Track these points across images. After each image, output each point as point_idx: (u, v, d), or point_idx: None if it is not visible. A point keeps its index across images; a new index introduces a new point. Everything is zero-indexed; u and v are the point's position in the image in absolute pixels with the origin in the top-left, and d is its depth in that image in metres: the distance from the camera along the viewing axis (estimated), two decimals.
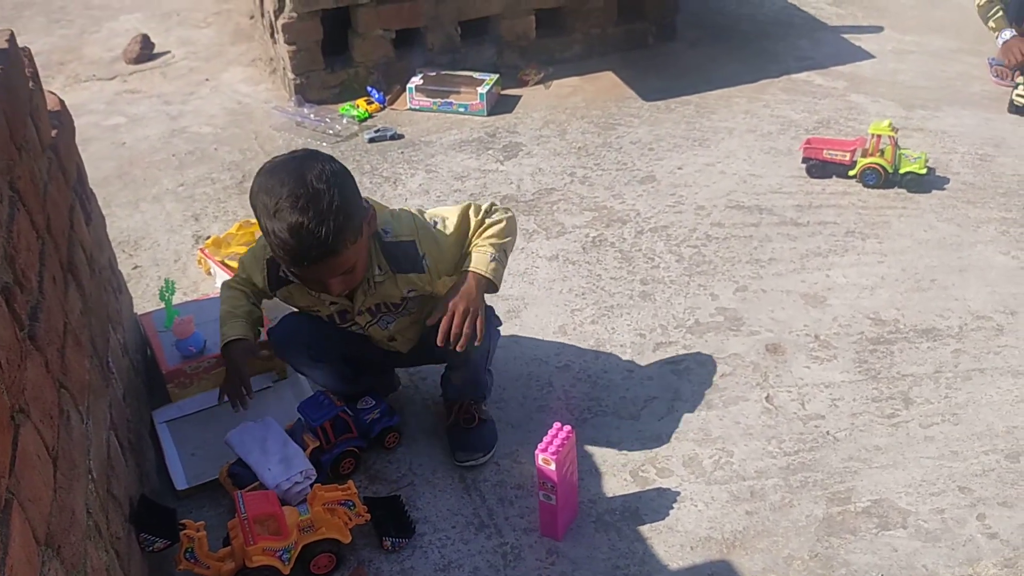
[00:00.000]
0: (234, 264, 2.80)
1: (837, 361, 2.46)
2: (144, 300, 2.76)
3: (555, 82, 4.04)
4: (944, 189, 3.15)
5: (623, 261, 2.90)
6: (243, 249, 2.89)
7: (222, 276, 2.73)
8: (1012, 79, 3.69)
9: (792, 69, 4.06)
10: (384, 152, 3.55)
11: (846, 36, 4.34)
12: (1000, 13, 3.72)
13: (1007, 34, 3.67)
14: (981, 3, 3.79)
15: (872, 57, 4.14)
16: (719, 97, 3.87)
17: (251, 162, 3.48)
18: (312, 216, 1.75)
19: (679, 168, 3.38)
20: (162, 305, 2.44)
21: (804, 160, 3.27)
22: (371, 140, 3.61)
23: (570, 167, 3.42)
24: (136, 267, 2.95)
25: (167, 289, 2.40)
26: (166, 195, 3.32)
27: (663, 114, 3.76)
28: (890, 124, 3.13)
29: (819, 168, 3.25)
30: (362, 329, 2.12)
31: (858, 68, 4.05)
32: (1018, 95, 3.53)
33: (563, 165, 3.43)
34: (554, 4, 4.09)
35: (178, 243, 3.05)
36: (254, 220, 2.98)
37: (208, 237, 2.97)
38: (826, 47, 4.24)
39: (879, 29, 4.40)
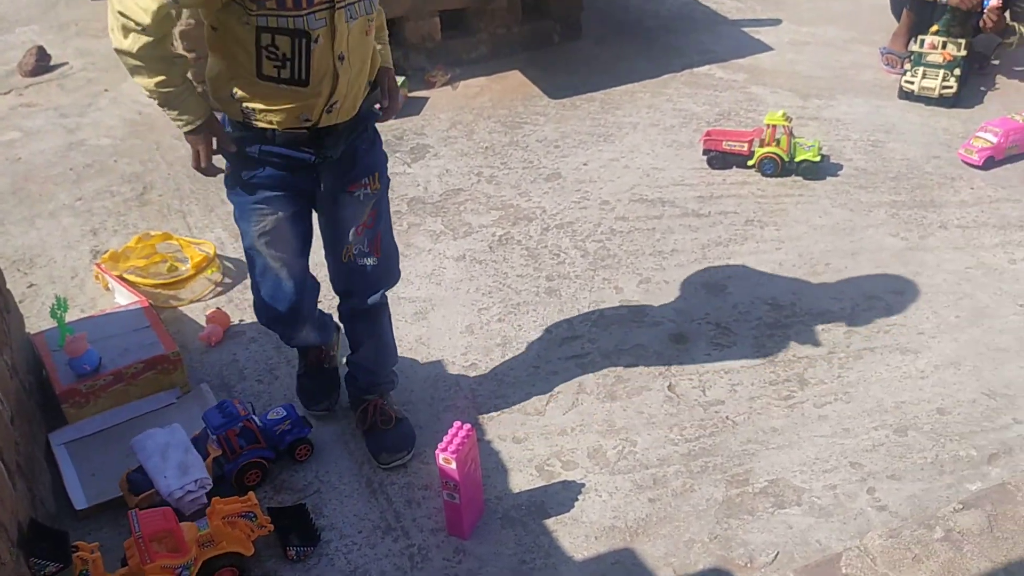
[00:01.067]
0: (133, 278, 2.76)
1: (737, 347, 2.53)
2: (40, 319, 2.68)
3: (462, 83, 4.05)
4: (838, 175, 3.25)
5: (529, 258, 2.93)
6: (142, 262, 2.85)
7: (121, 291, 2.68)
8: (901, 66, 3.83)
9: (694, 63, 4.14)
10: None
11: (746, 29, 4.45)
12: None
13: None
14: None
15: (771, 49, 4.24)
16: (624, 92, 3.93)
17: (152, 173, 3.41)
18: None
19: (584, 164, 3.42)
20: (55, 324, 2.38)
21: (705, 152, 3.35)
22: None
23: (477, 167, 3.44)
24: (31, 285, 2.87)
25: (59, 307, 2.34)
26: (63, 210, 3.23)
27: (569, 111, 3.80)
28: (784, 114, 3.22)
29: (719, 159, 3.32)
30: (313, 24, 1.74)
31: (757, 60, 4.15)
32: (907, 80, 3.66)
33: (470, 165, 3.45)
34: (459, 5, 4.10)
35: (75, 259, 2.97)
36: (153, 233, 2.96)
37: (106, 251, 2.90)
38: (727, 40, 4.34)
39: (777, 22, 4.51)
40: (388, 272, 2.16)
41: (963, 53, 3.60)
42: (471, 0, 4.09)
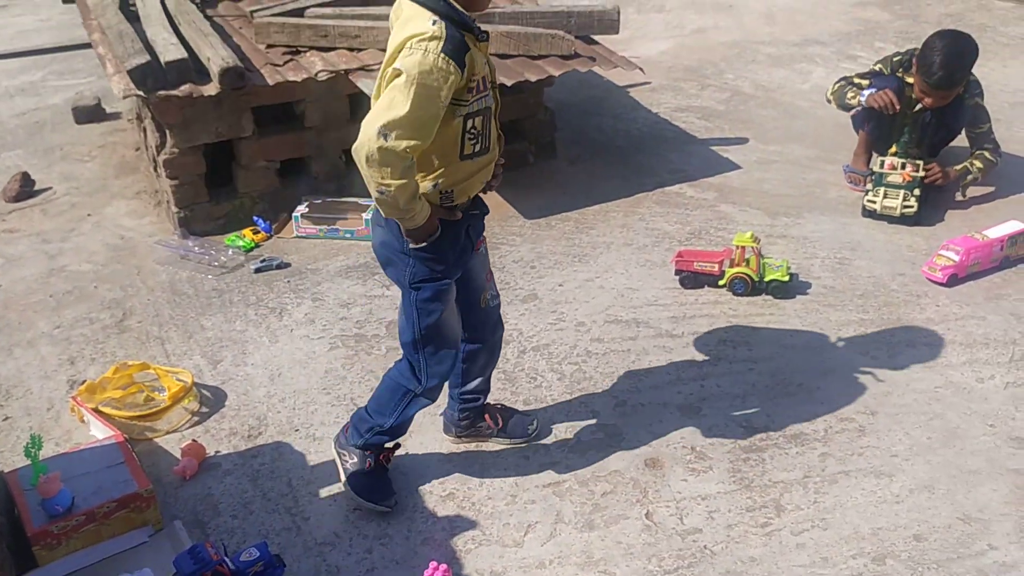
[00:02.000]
0: (109, 411, 2.75)
1: (713, 472, 2.54)
2: (14, 454, 2.66)
3: None
4: (807, 294, 3.33)
5: (506, 382, 2.95)
6: (119, 394, 2.85)
7: (96, 425, 2.67)
8: (864, 184, 3.97)
9: (665, 182, 4.27)
10: (270, 282, 3.57)
11: (715, 148, 4.61)
12: (854, 89, 3.96)
13: (870, 89, 3.83)
14: (834, 91, 4.06)
15: (739, 168, 4.39)
16: (598, 212, 4.04)
17: (132, 299, 3.44)
18: None
19: (560, 285, 3.49)
20: (28, 461, 2.36)
21: (677, 272, 3.42)
22: (257, 270, 3.62)
23: None
24: (6, 418, 2.85)
25: (33, 444, 2.33)
26: (41, 338, 3.24)
27: (544, 231, 3.90)
28: (752, 235, 3.32)
29: (691, 279, 3.40)
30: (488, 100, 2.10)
31: (726, 179, 4.29)
32: (869, 200, 3.79)
33: None
34: None
35: (52, 390, 2.97)
36: (131, 362, 2.97)
37: (83, 382, 2.90)
38: (696, 159, 4.49)
39: (745, 140, 4.68)
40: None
41: (921, 174, 3.74)
42: None
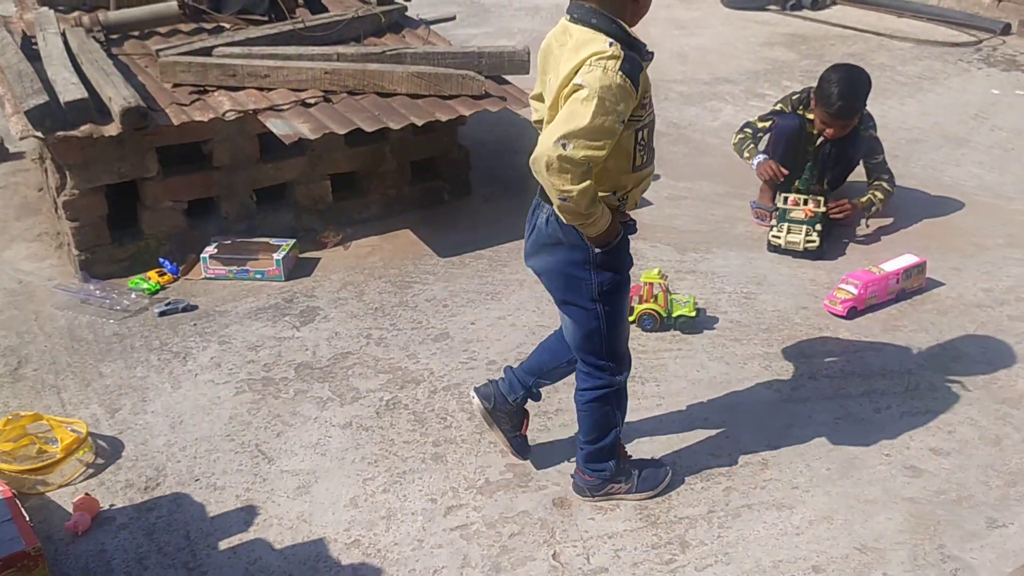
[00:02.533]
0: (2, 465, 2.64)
1: (620, 509, 2.55)
2: None
3: (354, 243, 4.12)
4: (714, 328, 3.39)
5: (416, 423, 2.93)
6: (10, 446, 2.74)
7: None
8: (769, 219, 4.08)
9: None
10: (175, 326, 3.48)
11: None
12: (752, 146, 4.16)
13: (760, 157, 4.06)
14: (736, 141, 4.23)
15: (650, 204, 4.46)
16: (511, 249, 4.05)
17: (28, 346, 3.32)
18: None
19: (472, 323, 3.49)
20: None
21: None
22: (161, 314, 3.54)
23: (366, 329, 3.46)
24: None
25: None
26: None
27: (458, 269, 3.90)
28: (659, 272, 3.37)
29: None
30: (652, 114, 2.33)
31: (637, 215, 4.33)
32: (773, 236, 3.90)
33: (359, 327, 3.47)
34: (348, 168, 4.21)
35: None
36: (23, 413, 2.86)
37: None
38: None
39: (656, 177, 4.73)
40: None
41: (822, 209, 3.88)
42: (361, 163, 4.21)
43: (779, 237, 3.89)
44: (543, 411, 2.96)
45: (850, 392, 3.01)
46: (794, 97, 4.13)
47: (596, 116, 2.04)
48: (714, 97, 5.90)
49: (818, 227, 3.85)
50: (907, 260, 3.57)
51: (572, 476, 2.61)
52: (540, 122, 2.36)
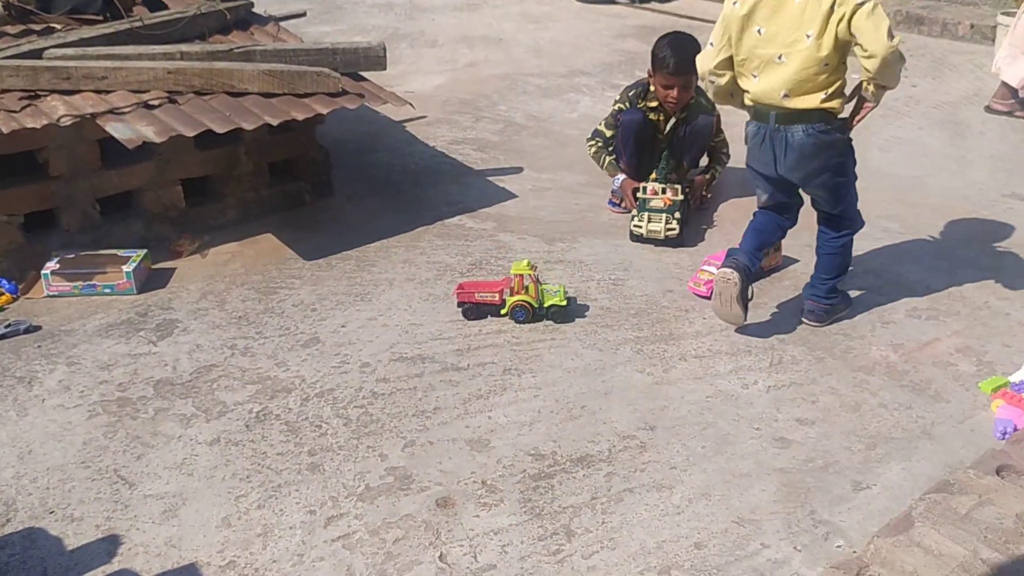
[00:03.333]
0: None
1: (504, 504, 2.53)
2: None
3: (212, 250, 3.94)
4: (585, 316, 3.42)
5: (290, 433, 2.82)
6: None
7: None
8: (622, 204, 4.18)
9: (445, 215, 4.28)
10: (17, 349, 3.23)
11: (491, 179, 4.68)
12: (609, 159, 4.24)
13: (620, 179, 4.20)
14: (592, 153, 4.32)
15: (516, 196, 4.48)
16: (379, 249, 3.97)
17: None
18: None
19: (343, 326, 3.39)
20: None
21: (459, 304, 3.42)
22: (1, 336, 3.27)
23: (231, 339, 3.31)
24: None
25: None
26: None
27: (325, 272, 3.78)
28: (528, 263, 3.37)
29: (474, 310, 3.41)
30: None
31: (504, 208, 4.36)
32: (635, 225, 3.98)
33: (223, 338, 3.31)
34: (201, 172, 4.02)
35: None
36: None
37: None
38: (474, 191, 4.54)
39: (520, 170, 4.79)
40: None
41: (680, 197, 3.99)
42: (213, 167, 4.03)
43: (640, 227, 3.96)
44: (421, 411, 2.91)
45: (719, 370, 3.09)
46: (631, 93, 4.24)
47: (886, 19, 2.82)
48: (571, 89, 5.98)
49: (677, 215, 3.94)
50: None
51: (810, 311, 3.32)
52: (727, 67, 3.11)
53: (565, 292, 3.41)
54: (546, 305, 3.37)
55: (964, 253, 3.83)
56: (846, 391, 2.96)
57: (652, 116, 4.17)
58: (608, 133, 4.28)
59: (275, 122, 3.65)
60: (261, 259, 3.89)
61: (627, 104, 4.21)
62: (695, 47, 3.86)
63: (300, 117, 3.74)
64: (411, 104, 4.19)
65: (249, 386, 3.05)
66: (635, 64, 6.38)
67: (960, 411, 2.85)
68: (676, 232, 3.91)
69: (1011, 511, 2.20)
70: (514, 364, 3.15)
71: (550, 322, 3.38)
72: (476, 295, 3.39)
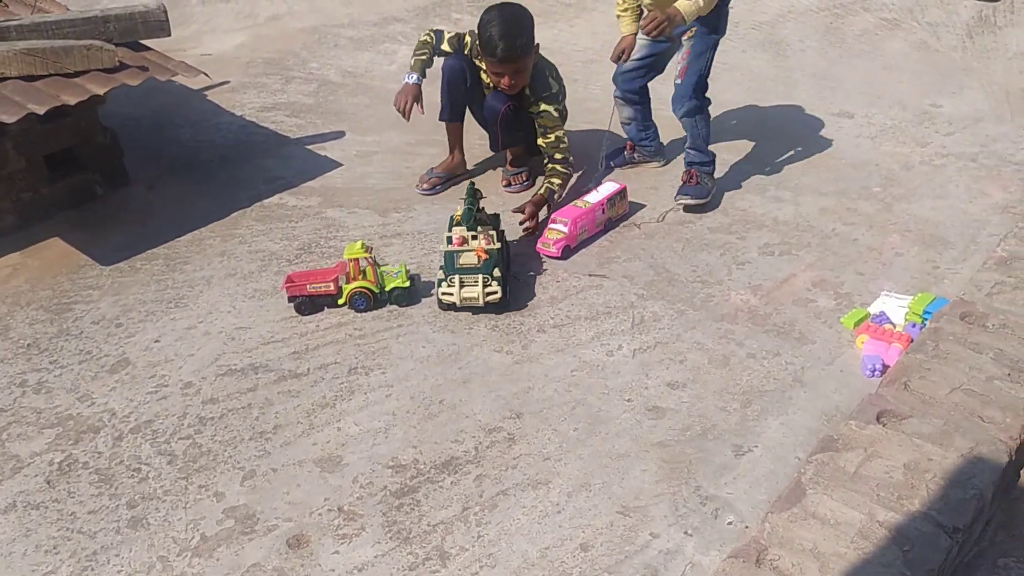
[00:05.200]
0: None
1: (366, 532, 2.23)
2: None
3: None
4: (432, 295, 3.12)
5: (103, 483, 2.40)
6: None
7: None
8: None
9: (263, 194, 3.84)
10: None
11: (311, 147, 4.25)
12: (419, 59, 3.68)
13: (411, 78, 3.63)
14: (418, 41, 3.76)
15: (340, 165, 4.08)
16: (190, 242, 3.51)
17: None
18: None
19: (156, 341, 2.95)
20: None
21: (290, 299, 3.05)
22: None
23: (19, 374, 2.81)
24: None
25: None
26: None
27: (128, 277, 3.30)
28: (362, 244, 3.03)
29: (307, 304, 3.04)
30: None
31: (328, 180, 3.96)
32: (444, 293, 2.98)
33: (9, 374, 2.82)
34: None
35: None
36: None
37: None
38: (294, 163, 4.10)
39: (341, 134, 4.38)
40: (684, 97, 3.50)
41: (497, 246, 3.02)
42: None
43: (450, 294, 2.96)
44: (259, 432, 2.55)
45: (580, 339, 2.88)
46: (468, 39, 3.68)
47: None
48: (386, 39, 5.56)
49: (496, 272, 2.98)
50: (609, 188, 3.50)
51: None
52: None
53: (408, 271, 3.10)
54: (388, 289, 3.05)
55: (804, 179, 3.78)
56: (712, 345, 2.82)
57: (483, 75, 3.68)
58: (445, 46, 3.69)
59: (41, 110, 3.10)
60: (49, 270, 3.36)
61: (447, 47, 3.67)
62: (528, 23, 3.45)
63: (72, 101, 3.19)
64: (205, 73, 3.69)
65: (47, 431, 2.59)
66: (450, 6, 6.01)
67: (827, 351, 2.77)
68: (499, 296, 2.95)
69: (898, 462, 2.11)
70: (360, 361, 2.82)
71: (394, 307, 3.06)
72: (308, 287, 3.03)
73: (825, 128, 4.21)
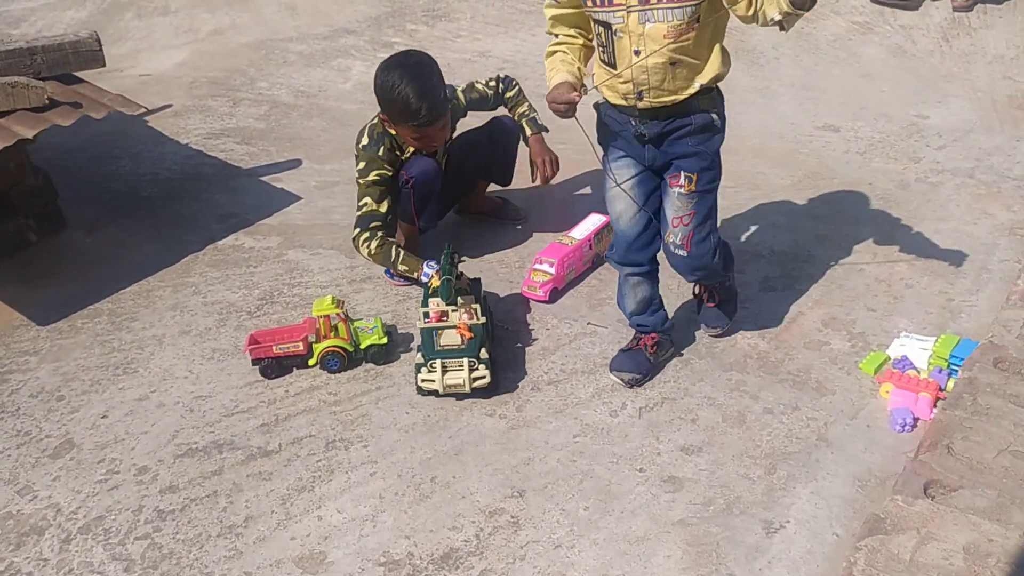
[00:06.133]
0: None
1: None
2: None
3: None
4: (411, 349, 2.84)
5: None
6: None
7: None
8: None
9: (216, 235, 3.51)
10: None
11: (265, 179, 3.93)
12: (403, 254, 3.00)
13: (430, 268, 2.93)
14: (373, 249, 3.00)
15: (299, 198, 3.77)
16: (137, 294, 3.18)
17: None
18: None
19: (103, 417, 2.63)
20: None
21: (255, 362, 2.74)
22: None
23: None
24: None
25: None
26: None
27: (69, 338, 2.96)
28: (332, 299, 2.74)
29: (274, 367, 2.74)
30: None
31: (288, 216, 3.64)
32: (424, 380, 2.57)
33: None
34: None
35: None
36: None
37: None
38: (248, 197, 3.78)
39: (297, 163, 4.06)
40: (703, 267, 2.56)
41: (482, 320, 2.62)
42: None
43: (431, 380, 2.55)
44: (228, 527, 2.24)
45: (579, 396, 2.63)
46: (379, 152, 3.00)
47: None
48: (339, 53, 5.24)
49: (484, 353, 2.57)
50: (594, 221, 3.25)
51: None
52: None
53: (383, 326, 2.81)
54: (363, 347, 2.76)
55: (797, 202, 3.57)
56: (724, 399, 2.59)
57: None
58: (382, 209, 3.02)
59: None
60: None
61: (383, 167, 3.00)
62: (437, 67, 2.95)
63: None
64: (144, 107, 3.36)
65: None
66: (404, 16, 5.70)
67: (849, 403, 2.55)
68: (487, 381, 2.57)
69: (956, 544, 1.90)
70: (338, 433, 2.53)
71: (371, 366, 2.78)
72: (274, 347, 2.72)
73: (811, 143, 4.02)
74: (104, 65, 3.30)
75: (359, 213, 3.04)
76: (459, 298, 2.67)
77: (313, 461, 2.44)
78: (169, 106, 4.61)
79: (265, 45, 5.37)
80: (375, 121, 3.08)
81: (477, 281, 2.92)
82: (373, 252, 3.02)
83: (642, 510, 2.25)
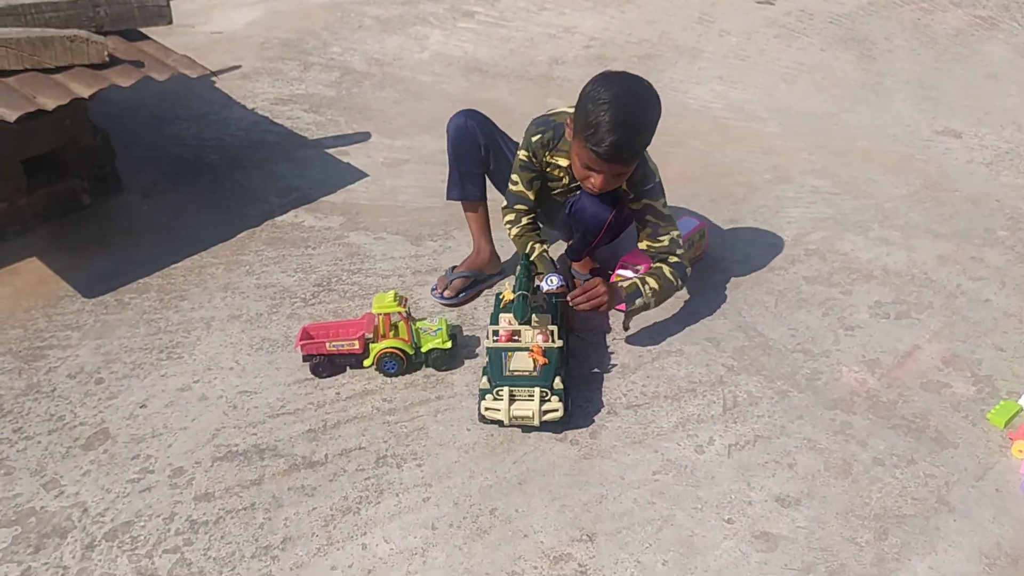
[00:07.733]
0: None
1: None
2: None
3: None
4: (477, 356, 2.58)
5: None
6: None
7: None
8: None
9: (276, 209, 3.30)
10: None
11: (331, 151, 3.70)
12: (540, 247, 2.64)
13: (553, 282, 2.45)
14: (513, 234, 2.69)
15: (365, 175, 3.53)
16: (189, 270, 2.98)
17: None
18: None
19: (142, 406, 2.43)
20: None
21: (305, 358, 2.51)
22: None
23: None
24: None
25: None
26: None
27: (114, 314, 2.77)
28: (395, 295, 2.49)
29: (326, 365, 2.51)
30: None
31: (351, 194, 3.41)
32: (489, 408, 2.26)
33: None
34: None
35: None
36: None
37: None
38: (312, 170, 3.55)
39: (366, 136, 3.82)
40: None
41: (558, 344, 2.32)
42: None
43: (496, 409, 2.25)
44: (264, 547, 2.02)
45: (661, 426, 2.34)
46: (535, 138, 2.57)
47: None
48: (416, 20, 4.97)
49: (558, 382, 2.25)
50: (686, 226, 2.94)
51: None
52: None
53: (448, 328, 2.56)
54: (424, 350, 2.51)
55: (914, 215, 3.21)
56: (827, 443, 2.28)
57: (554, 172, 2.64)
58: (530, 193, 2.66)
59: (11, 117, 2.56)
60: (22, 300, 2.84)
61: (531, 156, 2.59)
62: (655, 116, 2.33)
63: (50, 105, 2.65)
64: (211, 71, 3.14)
65: (3, 531, 2.08)
66: None
67: (974, 461, 2.22)
68: (559, 414, 2.24)
69: None
70: (390, 447, 2.29)
71: (432, 371, 2.53)
72: (328, 344, 2.49)
73: (929, 149, 3.63)
74: (171, 22, 3.08)
75: (509, 188, 2.69)
76: (534, 316, 2.39)
77: (361, 478, 2.20)
78: (238, 67, 4.41)
79: (341, 7, 5.13)
80: (564, 114, 2.56)
81: (554, 301, 2.50)
82: (512, 236, 2.70)
83: (729, 571, 1.96)
